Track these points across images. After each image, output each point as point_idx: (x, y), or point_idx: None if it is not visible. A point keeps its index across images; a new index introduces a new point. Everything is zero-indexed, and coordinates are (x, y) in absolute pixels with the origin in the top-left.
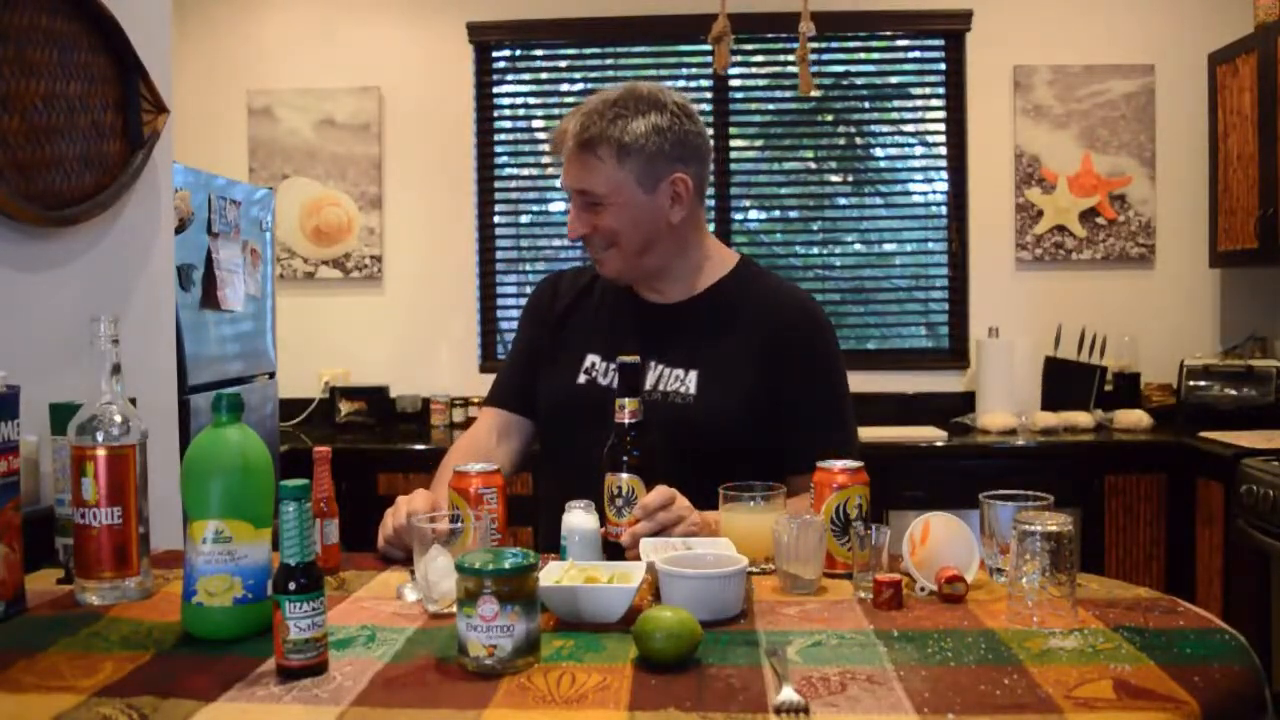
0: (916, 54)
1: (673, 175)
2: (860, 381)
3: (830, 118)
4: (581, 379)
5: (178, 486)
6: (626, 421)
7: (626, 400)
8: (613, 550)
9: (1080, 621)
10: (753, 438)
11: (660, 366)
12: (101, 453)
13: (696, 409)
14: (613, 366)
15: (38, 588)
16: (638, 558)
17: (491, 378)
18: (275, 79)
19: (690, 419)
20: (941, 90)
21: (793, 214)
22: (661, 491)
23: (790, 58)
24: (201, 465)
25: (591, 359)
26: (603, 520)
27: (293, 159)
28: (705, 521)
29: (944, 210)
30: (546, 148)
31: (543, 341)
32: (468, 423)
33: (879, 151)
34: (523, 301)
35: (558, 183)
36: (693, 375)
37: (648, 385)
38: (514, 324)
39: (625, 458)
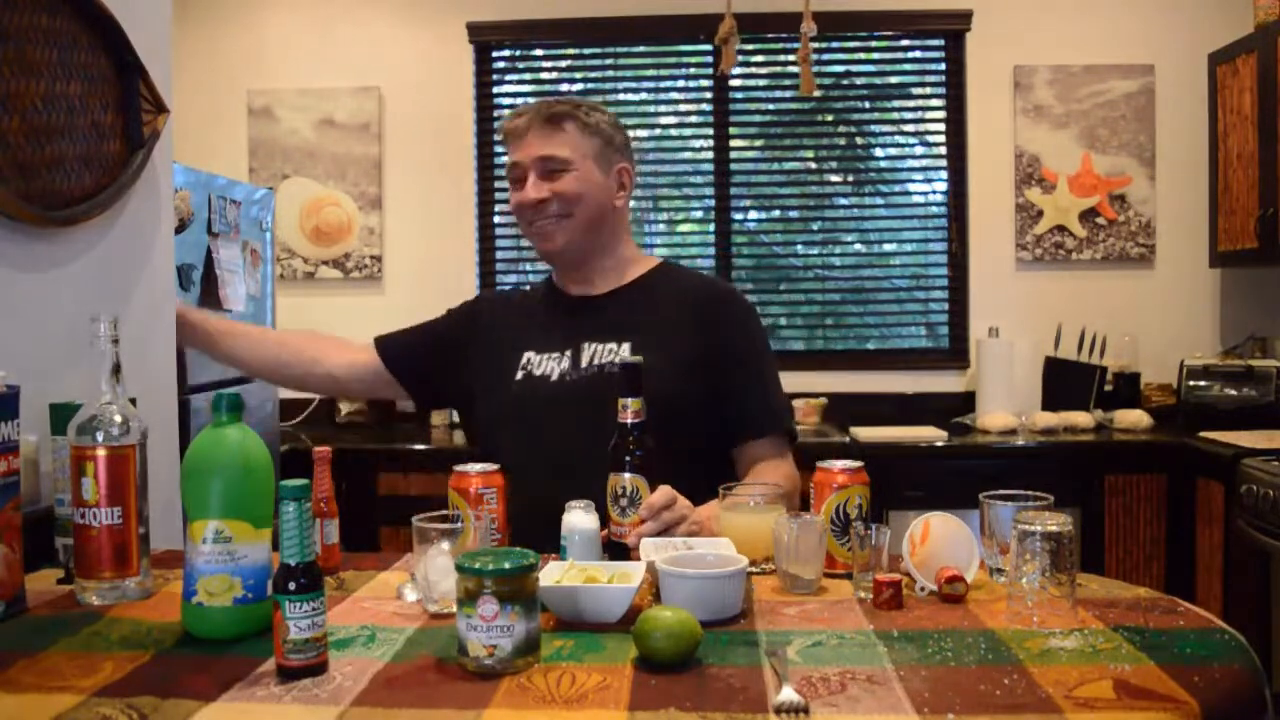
0: (916, 54)
1: (620, 164)
2: (860, 381)
3: (830, 118)
4: (519, 375)
5: (178, 486)
6: (629, 421)
7: (630, 400)
8: (617, 550)
9: (1080, 621)
10: (689, 402)
11: (593, 345)
12: (101, 453)
13: None
14: (549, 357)
15: (38, 588)
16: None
17: None
18: (275, 79)
19: None
20: (941, 90)
21: (793, 214)
22: (664, 491)
23: (790, 58)
24: (201, 465)
25: (528, 355)
26: (605, 520)
27: (293, 159)
28: (702, 520)
29: (944, 210)
30: None
31: (467, 344)
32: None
33: (879, 151)
34: None
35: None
36: (626, 346)
37: (583, 363)
38: None
39: (628, 457)
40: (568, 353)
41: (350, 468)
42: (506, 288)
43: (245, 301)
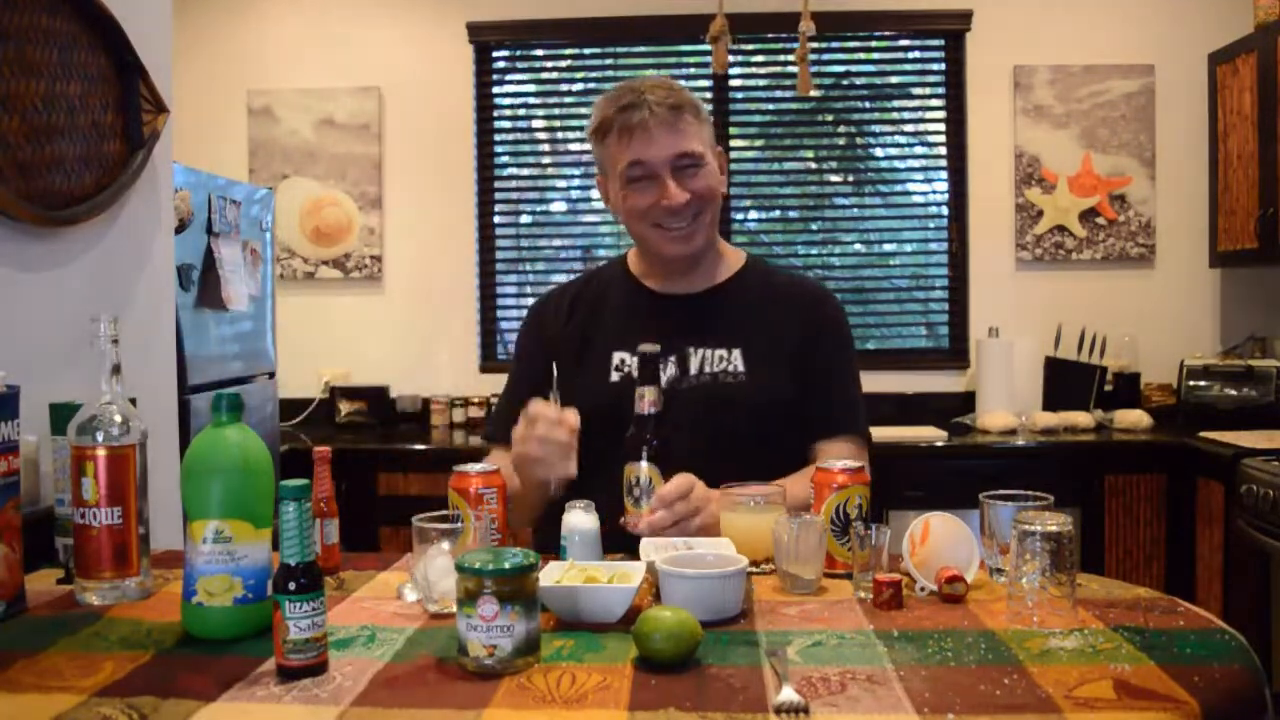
0: (916, 54)
1: (717, 147)
2: (860, 381)
3: (830, 118)
4: (615, 376)
5: (178, 486)
6: (647, 411)
7: (646, 390)
8: (630, 540)
9: (1080, 621)
10: (790, 408)
11: (702, 350)
12: (101, 453)
13: (749, 386)
14: None
15: (38, 588)
16: None
17: (492, 378)
18: (275, 79)
19: (744, 396)
20: (941, 90)
21: (793, 214)
22: (679, 482)
23: (790, 58)
24: (201, 465)
25: (620, 356)
26: (621, 510)
27: (293, 159)
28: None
29: (944, 210)
30: (547, 147)
31: (553, 357)
32: (468, 423)
33: (879, 151)
34: (524, 302)
35: (558, 182)
36: (737, 353)
37: (693, 370)
38: (514, 324)
39: (645, 447)
40: (673, 358)
41: (350, 468)
42: (557, 284)
43: (245, 301)
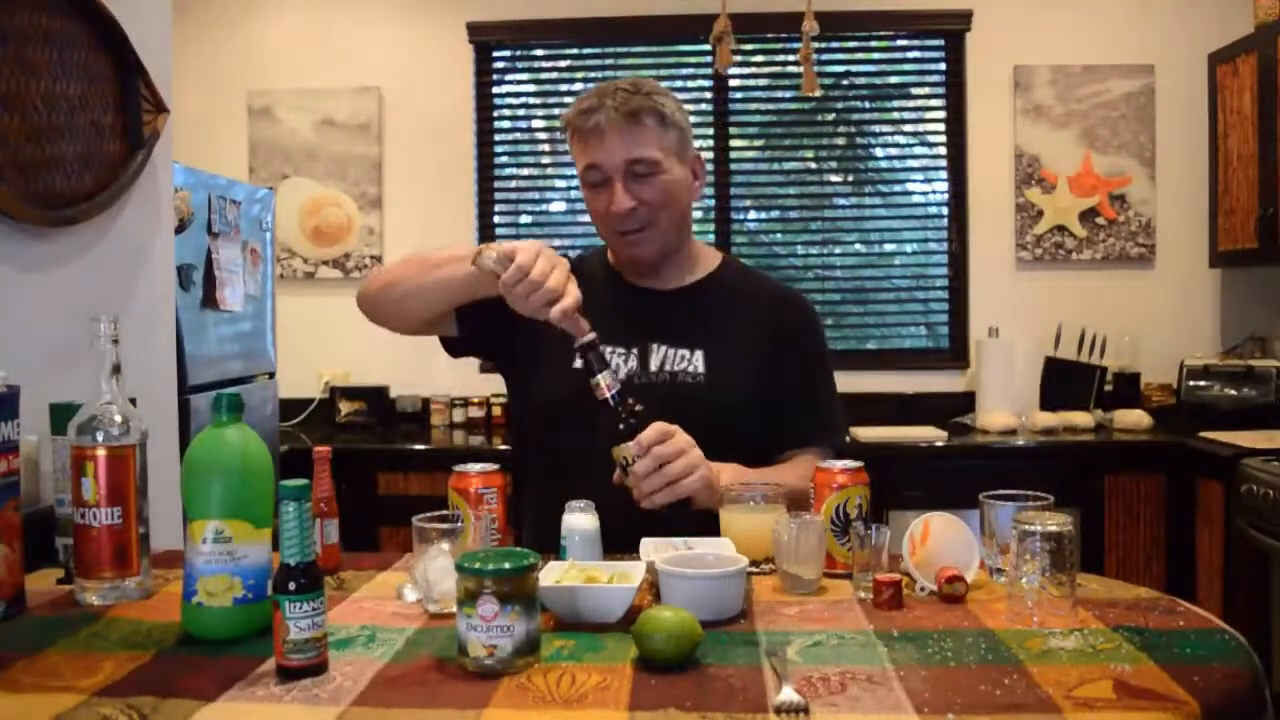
0: (916, 54)
1: (694, 152)
2: (860, 381)
3: (830, 118)
4: (578, 363)
5: (178, 486)
6: (608, 396)
7: (599, 378)
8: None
9: (1080, 621)
10: (751, 413)
11: (663, 348)
12: (101, 453)
13: (707, 388)
14: (612, 351)
15: (38, 588)
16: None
17: (492, 378)
18: (275, 79)
19: (702, 398)
20: (941, 90)
21: (793, 214)
22: (657, 427)
23: (791, 57)
24: (201, 465)
25: None
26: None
27: (293, 159)
28: (712, 470)
29: (944, 210)
30: (547, 147)
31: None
32: (468, 423)
33: (879, 151)
34: None
35: (558, 182)
36: (699, 355)
37: (653, 366)
38: None
39: (621, 425)
40: (634, 351)
41: (350, 468)
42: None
43: (245, 301)
